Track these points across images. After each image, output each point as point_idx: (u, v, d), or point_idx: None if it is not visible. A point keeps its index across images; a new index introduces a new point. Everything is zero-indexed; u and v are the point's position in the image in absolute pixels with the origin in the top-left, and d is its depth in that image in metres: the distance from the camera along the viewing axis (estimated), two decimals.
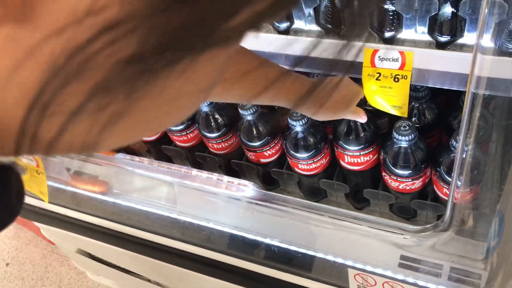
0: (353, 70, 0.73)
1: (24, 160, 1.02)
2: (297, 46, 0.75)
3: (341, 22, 0.70)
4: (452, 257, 0.78)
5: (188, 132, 1.10)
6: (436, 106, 0.93)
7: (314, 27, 0.74)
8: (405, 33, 0.69)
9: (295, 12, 0.73)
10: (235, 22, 0.19)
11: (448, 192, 0.81)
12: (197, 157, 1.14)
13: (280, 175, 1.05)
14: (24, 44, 0.17)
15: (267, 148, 1.00)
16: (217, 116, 1.02)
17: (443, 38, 0.65)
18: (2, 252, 2.02)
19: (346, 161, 0.94)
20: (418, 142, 0.84)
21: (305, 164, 0.96)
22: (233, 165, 1.09)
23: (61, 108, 0.19)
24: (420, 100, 0.90)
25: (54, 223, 1.20)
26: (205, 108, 1.01)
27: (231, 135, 1.05)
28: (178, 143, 1.14)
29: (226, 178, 0.99)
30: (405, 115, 0.76)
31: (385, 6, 0.65)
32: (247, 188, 0.96)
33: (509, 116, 0.68)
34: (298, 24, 0.74)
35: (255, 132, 0.97)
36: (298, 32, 0.75)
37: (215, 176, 0.99)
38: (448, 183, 0.84)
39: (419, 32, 0.68)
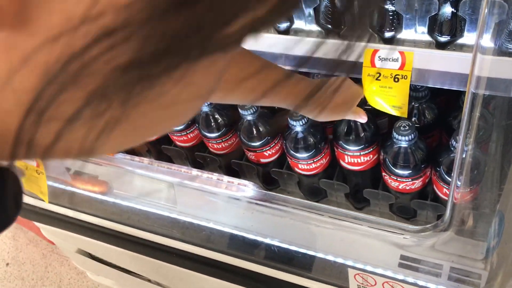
0: (354, 70, 0.73)
1: (24, 160, 1.02)
2: (298, 46, 0.75)
3: (341, 22, 0.70)
4: (452, 257, 0.79)
5: (188, 132, 1.10)
6: (436, 106, 0.93)
7: (314, 27, 0.74)
8: (405, 33, 0.69)
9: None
10: (232, 28, 0.19)
11: (448, 192, 0.81)
12: (197, 157, 1.14)
13: (280, 175, 1.05)
14: (20, 50, 0.17)
15: (267, 148, 1.00)
16: (217, 116, 1.02)
17: (443, 38, 0.65)
18: (2, 252, 2.02)
19: (346, 161, 0.94)
20: (418, 142, 0.84)
21: (305, 164, 0.96)
22: (233, 165, 1.09)
23: (57, 114, 0.19)
24: (420, 100, 0.90)
25: (54, 223, 1.20)
26: (205, 108, 1.01)
27: (231, 135, 1.05)
28: (178, 143, 1.14)
29: (226, 178, 0.99)
30: (405, 115, 0.76)
31: (385, 6, 0.65)
32: (247, 188, 0.96)
33: (509, 116, 0.68)
34: (298, 24, 0.74)
35: (255, 132, 0.97)
36: (298, 32, 0.75)
37: (215, 176, 0.99)
38: (448, 183, 0.84)
39: (419, 32, 0.68)
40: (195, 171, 1.01)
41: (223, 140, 1.05)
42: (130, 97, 0.20)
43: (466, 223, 0.77)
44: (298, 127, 0.89)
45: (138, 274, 1.37)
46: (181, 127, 1.08)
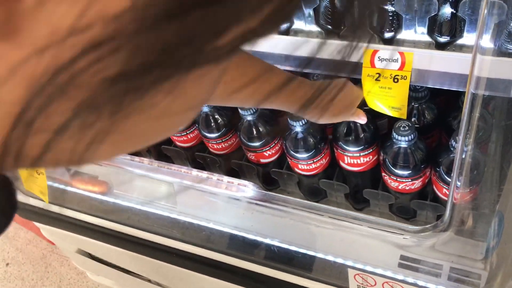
0: (356, 71, 0.73)
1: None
2: (298, 46, 0.75)
3: (341, 23, 0.70)
4: (452, 257, 0.79)
5: (188, 132, 1.10)
6: (436, 107, 0.93)
7: (314, 28, 0.74)
8: (405, 34, 0.69)
9: None
10: (224, 40, 0.19)
11: (447, 192, 0.81)
12: (197, 157, 1.14)
13: (280, 175, 1.05)
14: (7, 61, 0.17)
15: (267, 148, 1.00)
16: (217, 116, 1.02)
17: (443, 39, 0.66)
18: (2, 252, 2.02)
19: (346, 162, 0.94)
20: (418, 142, 0.84)
21: (305, 164, 0.96)
22: (233, 165, 1.09)
23: (45, 126, 0.19)
24: (419, 100, 0.90)
25: (54, 223, 1.20)
26: (205, 109, 1.01)
27: (231, 135, 1.05)
28: (178, 143, 1.14)
29: (226, 178, 0.99)
30: (404, 117, 0.77)
31: (385, 7, 0.65)
32: (247, 188, 0.96)
33: (508, 116, 0.68)
34: (298, 24, 0.75)
35: (255, 132, 0.97)
36: (298, 32, 0.75)
37: (215, 176, 0.99)
38: (447, 183, 0.84)
39: (418, 32, 0.68)
40: (195, 171, 1.01)
41: (223, 140, 1.05)
42: (119, 109, 0.19)
43: (466, 223, 0.77)
44: (298, 127, 0.89)
45: (138, 274, 1.37)
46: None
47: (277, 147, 1.02)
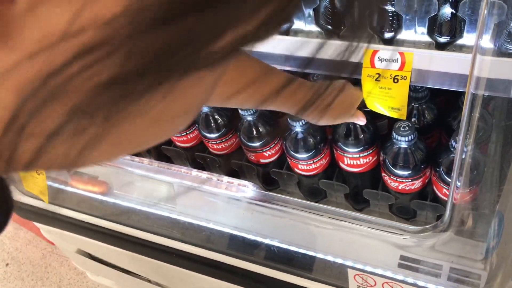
0: (356, 72, 0.73)
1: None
2: (298, 46, 0.75)
3: (341, 23, 0.70)
4: (452, 257, 0.79)
5: (188, 132, 1.10)
6: (436, 107, 0.93)
7: (314, 28, 0.74)
8: (405, 34, 0.69)
9: None
10: (219, 45, 0.19)
11: (447, 193, 0.81)
12: (197, 158, 1.14)
13: (280, 176, 1.05)
14: None
15: (267, 149, 1.00)
16: (217, 116, 1.02)
17: (443, 39, 0.65)
18: (2, 252, 2.02)
19: (346, 163, 0.94)
20: (418, 142, 0.84)
21: (305, 164, 0.96)
22: (233, 165, 1.09)
23: (37, 130, 0.19)
24: (419, 100, 0.90)
25: (54, 224, 1.20)
26: (205, 109, 1.01)
27: (231, 135, 1.05)
28: (178, 143, 1.14)
29: (226, 179, 0.99)
30: (404, 117, 0.77)
31: (385, 7, 0.65)
32: (247, 189, 0.96)
33: (508, 116, 0.68)
34: (297, 24, 0.74)
35: (255, 132, 0.97)
36: (298, 32, 0.75)
37: (215, 176, 0.99)
38: (447, 184, 0.84)
39: (418, 32, 0.68)
40: (195, 172, 1.01)
41: (223, 140, 1.05)
42: (113, 113, 0.19)
43: (466, 223, 0.77)
44: (298, 127, 0.89)
45: (138, 275, 1.37)
46: None
47: (277, 147, 1.02)
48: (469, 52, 0.63)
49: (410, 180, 0.88)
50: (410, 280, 0.80)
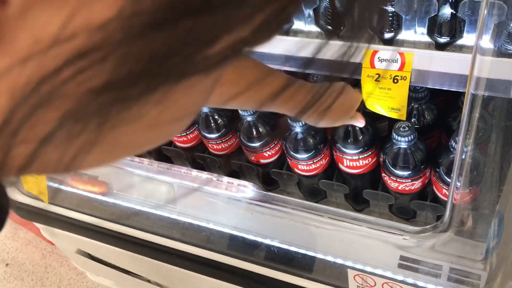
0: (357, 72, 0.73)
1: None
2: (298, 47, 0.75)
3: (341, 23, 0.70)
4: (452, 257, 0.79)
5: (188, 132, 1.10)
6: (436, 107, 0.93)
7: (314, 28, 0.74)
8: (405, 34, 0.69)
9: None
10: (214, 49, 0.18)
11: (447, 193, 0.81)
12: (197, 158, 1.14)
13: (280, 176, 1.05)
14: None
15: (267, 149, 1.00)
16: (217, 116, 1.02)
17: (443, 39, 0.65)
18: (2, 252, 2.02)
19: (345, 164, 0.94)
20: (418, 143, 0.84)
21: (305, 164, 0.96)
22: (233, 165, 1.09)
23: (30, 136, 0.19)
24: (419, 101, 0.90)
25: (54, 224, 1.20)
26: (205, 109, 1.01)
27: (231, 135, 1.05)
28: (178, 143, 1.14)
29: (226, 179, 0.99)
30: (404, 118, 0.77)
31: (385, 7, 0.65)
32: (247, 189, 0.96)
33: (508, 117, 0.68)
34: (297, 25, 0.74)
35: (255, 132, 0.97)
36: (298, 33, 0.75)
37: (215, 176, 0.99)
38: (447, 184, 0.84)
39: (418, 33, 0.68)
40: (195, 172, 1.01)
41: (223, 140, 1.05)
42: (106, 119, 0.19)
43: (466, 224, 0.77)
44: (298, 128, 0.89)
45: (138, 275, 1.37)
46: None
47: (277, 148, 1.02)
48: (469, 53, 0.63)
49: (410, 181, 0.88)
50: (410, 280, 0.80)
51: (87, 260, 1.40)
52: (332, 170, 1.01)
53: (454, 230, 0.78)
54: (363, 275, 0.84)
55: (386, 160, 0.87)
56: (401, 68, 0.69)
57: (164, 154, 1.20)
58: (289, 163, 1.00)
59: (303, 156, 0.94)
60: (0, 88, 0.17)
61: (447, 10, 0.62)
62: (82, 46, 0.16)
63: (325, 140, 0.95)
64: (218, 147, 1.07)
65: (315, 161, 0.95)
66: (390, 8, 0.65)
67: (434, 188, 0.90)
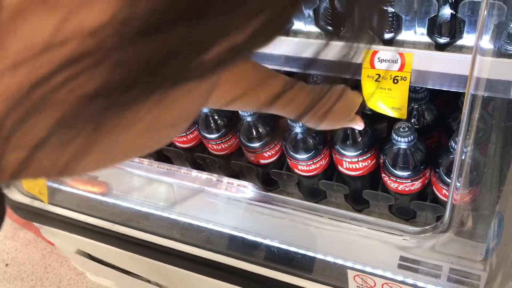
0: (357, 72, 0.73)
1: None
2: (298, 47, 0.75)
3: (341, 24, 0.70)
4: (452, 258, 0.79)
5: (188, 133, 1.10)
6: (436, 108, 0.93)
7: (314, 28, 0.74)
8: (405, 35, 0.69)
9: None
10: (210, 55, 0.18)
11: (447, 193, 0.81)
12: (197, 158, 1.14)
13: (279, 176, 1.05)
14: None
15: (267, 149, 1.00)
16: (216, 117, 1.02)
17: (443, 40, 0.65)
18: (2, 252, 2.02)
19: (345, 166, 0.94)
20: (418, 143, 0.84)
21: (305, 165, 0.96)
22: (232, 166, 1.09)
23: (22, 142, 0.18)
24: (419, 101, 0.90)
25: (54, 224, 1.20)
26: (205, 109, 1.01)
27: (230, 136, 1.05)
28: (177, 144, 1.14)
29: (225, 179, 0.99)
30: (404, 117, 0.77)
31: (385, 8, 0.65)
32: (247, 189, 0.96)
33: (508, 117, 0.68)
34: (297, 25, 0.74)
35: (254, 133, 0.97)
36: (297, 33, 0.75)
37: (214, 177, 0.99)
38: (447, 184, 0.84)
39: (418, 33, 0.68)
40: (194, 172, 1.01)
41: (223, 141, 1.05)
42: (99, 125, 0.19)
43: (466, 224, 0.77)
44: (297, 128, 0.89)
45: (138, 275, 1.37)
46: None
47: (276, 148, 1.01)
48: (469, 53, 0.63)
49: (410, 181, 0.88)
50: (409, 281, 0.80)
51: (86, 260, 1.40)
52: (332, 171, 1.01)
53: (454, 230, 0.78)
54: (363, 276, 0.84)
55: (386, 161, 0.87)
56: (401, 69, 0.69)
57: (164, 154, 1.20)
58: (289, 163, 1.00)
59: (303, 156, 0.94)
60: None
61: (447, 11, 0.62)
62: (75, 51, 0.16)
63: (325, 141, 0.95)
64: (218, 147, 1.06)
65: (315, 161, 0.95)
66: (390, 9, 0.65)
67: (434, 188, 0.90)
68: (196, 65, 0.18)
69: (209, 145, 1.08)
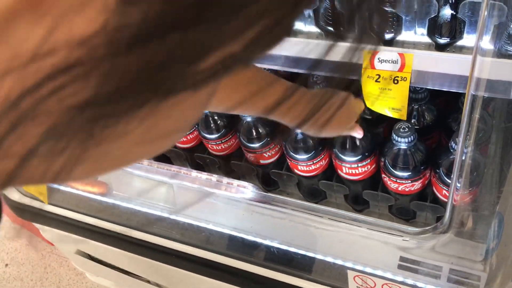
0: (358, 73, 0.73)
1: None
2: (296, 47, 0.75)
3: (341, 24, 0.70)
4: (452, 258, 0.79)
5: (187, 133, 1.10)
6: (436, 108, 0.93)
7: (314, 29, 0.74)
8: (405, 35, 0.69)
9: None
10: (204, 65, 0.18)
11: (447, 194, 0.81)
12: (197, 158, 1.14)
13: (279, 177, 1.05)
14: None
15: (267, 150, 1.00)
16: (216, 117, 1.02)
17: (443, 40, 0.65)
18: (1, 253, 2.02)
19: (344, 171, 0.94)
20: (418, 143, 0.84)
21: (305, 165, 0.96)
22: (232, 166, 1.09)
23: (11, 151, 0.18)
24: (419, 102, 0.90)
25: (54, 224, 1.20)
26: None
27: (230, 136, 1.05)
28: (177, 144, 1.14)
29: (225, 180, 0.99)
30: (404, 118, 0.76)
31: (385, 8, 0.65)
32: (247, 190, 0.96)
33: (508, 118, 0.68)
34: (297, 25, 0.74)
35: (254, 133, 0.97)
36: (297, 33, 0.75)
37: (214, 177, 0.99)
38: (447, 185, 0.84)
39: (418, 34, 0.68)
40: (194, 172, 1.01)
41: (223, 141, 1.05)
42: (89, 136, 0.18)
43: (466, 225, 0.77)
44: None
45: (137, 275, 1.37)
46: None
47: (276, 148, 1.01)
48: (469, 54, 0.63)
49: (410, 181, 0.88)
50: (409, 281, 0.80)
51: (86, 260, 1.40)
52: (331, 171, 1.01)
53: (454, 231, 0.78)
54: (363, 276, 0.84)
55: (386, 161, 0.87)
56: (401, 69, 0.69)
57: (163, 154, 1.19)
58: (289, 163, 1.00)
59: (303, 156, 0.94)
60: None
61: (447, 11, 0.62)
62: (63, 61, 0.16)
63: (325, 141, 0.95)
64: (218, 147, 1.06)
65: (314, 161, 0.95)
66: (390, 9, 0.65)
67: (434, 189, 0.90)
68: (190, 75, 0.18)
69: (209, 146, 1.08)
